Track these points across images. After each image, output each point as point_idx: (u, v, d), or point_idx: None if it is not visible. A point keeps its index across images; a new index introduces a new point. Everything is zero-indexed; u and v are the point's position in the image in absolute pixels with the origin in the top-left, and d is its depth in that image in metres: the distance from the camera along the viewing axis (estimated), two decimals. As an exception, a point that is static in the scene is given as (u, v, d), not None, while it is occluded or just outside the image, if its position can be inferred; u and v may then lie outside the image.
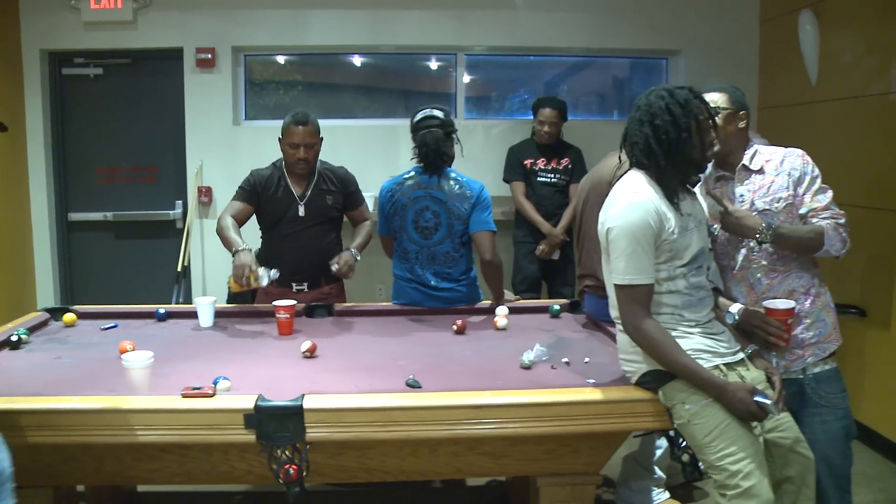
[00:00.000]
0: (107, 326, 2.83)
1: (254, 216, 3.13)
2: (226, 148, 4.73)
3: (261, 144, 4.69)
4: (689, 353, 1.91)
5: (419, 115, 3.05)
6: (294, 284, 3.12)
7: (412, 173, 3.08)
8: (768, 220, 2.11)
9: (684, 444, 2.09)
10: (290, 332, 2.72)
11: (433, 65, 5.14)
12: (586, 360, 2.37)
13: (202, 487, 3.00)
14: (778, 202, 2.15)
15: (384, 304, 3.18)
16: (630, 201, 1.91)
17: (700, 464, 2.09)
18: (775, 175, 2.17)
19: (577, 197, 2.95)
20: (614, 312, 2.04)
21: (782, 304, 2.10)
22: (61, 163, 4.80)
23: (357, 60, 5.11)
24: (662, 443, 2.92)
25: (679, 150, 1.92)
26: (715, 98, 2.16)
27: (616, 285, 1.94)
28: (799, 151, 2.19)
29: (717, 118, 2.07)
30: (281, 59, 5.04)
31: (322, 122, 3.13)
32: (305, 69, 5.19)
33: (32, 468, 1.97)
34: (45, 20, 4.56)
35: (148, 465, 2.07)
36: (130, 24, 4.57)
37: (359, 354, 2.48)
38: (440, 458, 2.09)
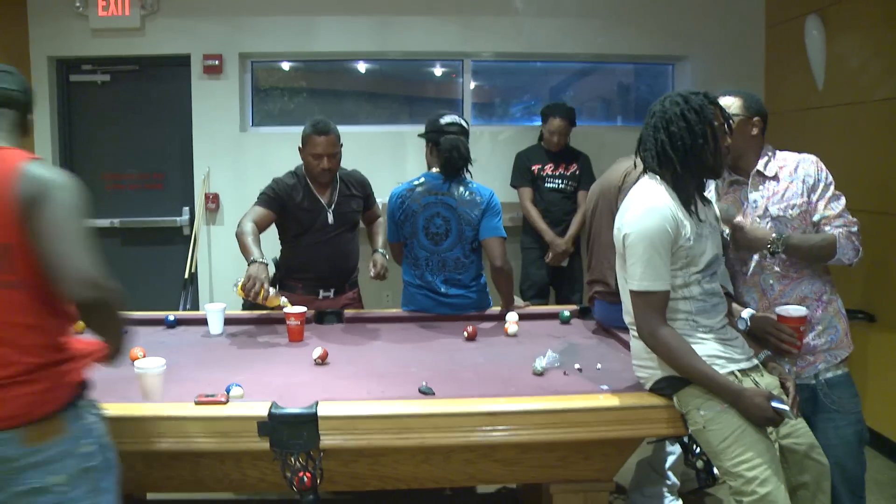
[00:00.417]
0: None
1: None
2: (233, 154, 4.74)
3: (268, 151, 4.72)
4: (704, 359, 1.90)
5: (446, 120, 3.04)
6: (322, 291, 3.13)
7: (422, 179, 3.08)
8: (779, 230, 2.11)
9: (698, 450, 2.07)
10: (300, 339, 2.72)
11: (438, 71, 5.16)
12: (598, 366, 2.37)
13: (213, 495, 3.00)
14: (792, 209, 2.15)
15: (394, 310, 3.17)
16: (647, 207, 1.90)
17: (714, 470, 2.07)
18: (790, 181, 2.17)
19: (586, 203, 2.95)
20: (628, 318, 2.03)
21: (795, 311, 2.09)
22: (68, 169, 4.80)
23: (362, 67, 5.13)
24: (676, 448, 2.91)
25: (695, 156, 1.92)
26: (728, 103, 2.16)
27: (632, 291, 1.93)
28: (813, 158, 2.19)
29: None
30: (286, 66, 5.06)
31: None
32: (310, 76, 5.21)
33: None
34: (53, 27, 4.58)
35: (160, 473, 2.06)
36: (138, 30, 4.58)
37: (370, 361, 2.47)
38: (453, 466, 2.08)
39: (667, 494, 2.88)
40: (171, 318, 2.96)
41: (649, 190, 1.95)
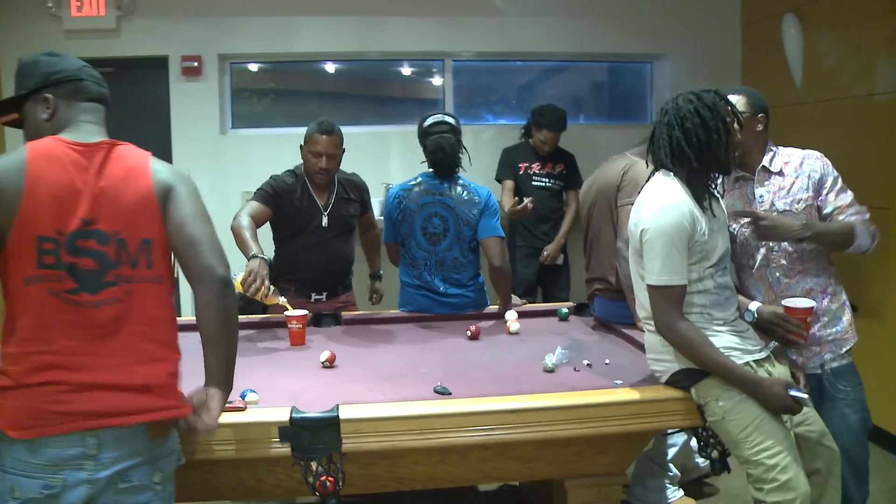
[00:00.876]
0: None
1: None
2: (213, 157, 4.66)
3: (248, 153, 4.66)
4: (721, 350, 1.93)
5: (430, 120, 3.04)
6: (314, 294, 3.10)
7: (419, 179, 3.07)
8: (804, 217, 2.14)
9: (712, 440, 2.11)
10: (302, 343, 2.68)
11: (408, 71, 5.13)
12: (606, 361, 2.39)
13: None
14: (798, 203, 2.20)
15: (392, 311, 3.16)
16: (665, 204, 1.93)
17: (727, 459, 2.11)
18: (795, 177, 2.22)
19: (582, 203, 2.97)
20: (643, 313, 2.06)
21: (802, 302, 2.14)
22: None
23: (334, 68, 5.08)
24: (676, 440, 2.96)
25: (709, 152, 1.96)
26: (733, 101, 2.19)
27: (650, 286, 1.96)
28: (817, 154, 2.25)
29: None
30: (254, 67, 4.97)
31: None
32: (280, 77, 5.14)
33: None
34: (25, 28, 4.44)
35: (173, 483, 2.02)
36: (113, 31, 4.47)
37: (378, 363, 2.45)
38: (470, 464, 2.09)
39: (668, 486, 2.92)
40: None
41: (666, 187, 1.98)
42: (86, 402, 1.48)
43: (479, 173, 4.43)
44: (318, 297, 3.12)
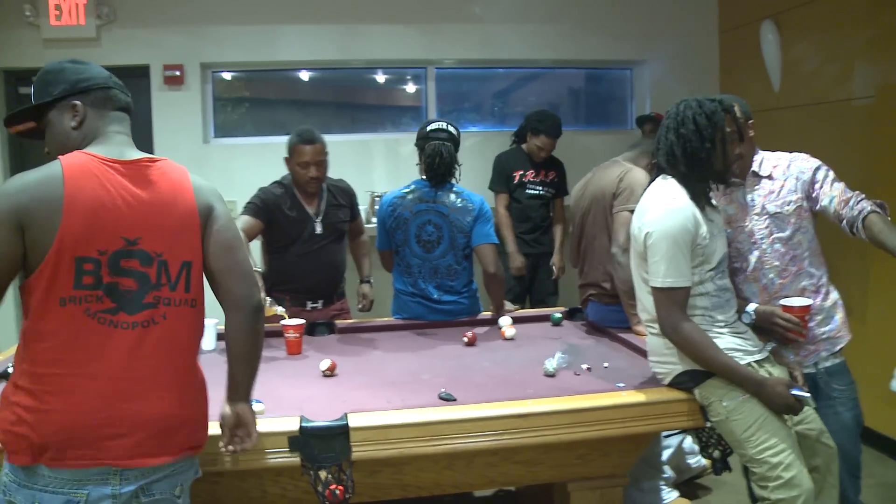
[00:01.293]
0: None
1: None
2: (196, 166, 4.39)
3: (231, 162, 4.62)
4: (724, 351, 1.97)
5: (431, 127, 3.05)
6: (309, 303, 3.09)
7: (412, 187, 3.08)
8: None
9: (713, 440, 2.15)
10: (299, 352, 2.68)
11: (391, 79, 5.14)
12: (605, 364, 2.42)
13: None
14: (788, 205, 2.24)
15: (386, 319, 3.16)
16: (669, 207, 1.96)
17: (728, 459, 2.15)
18: (784, 179, 2.27)
19: (574, 209, 2.99)
20: (646, 315, 2.09)
21: (799, 301, 2.18)
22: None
23: (311, 76, 5.06)
24: (670, 442, 2.99)
25: (701, 160, 1.99)
26: (727, 108, 2.24)
27: (655, 288, 1.99)
28: (804, 155, 2.30)
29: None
30: (228, 76, 4.93)
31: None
32: (266, 86, 5.12)
33: None
34: (2, 37, 4.36)
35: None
36: (94, 41, 4.41)
37: (379, 371, 2.46)
38: (475, 470, 2.09)
39: (663, 487, 2.95)
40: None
41: (669, 190, 2.01)
42: (113, 446, 1.47)
43: (463, 181, 4.46)
44: (314, 305, 3.11)
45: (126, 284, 1.49)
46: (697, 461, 3.21)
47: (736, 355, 1.99)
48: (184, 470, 1.61)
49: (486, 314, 3.15)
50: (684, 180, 2.03)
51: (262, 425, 1.90)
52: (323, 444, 1.86)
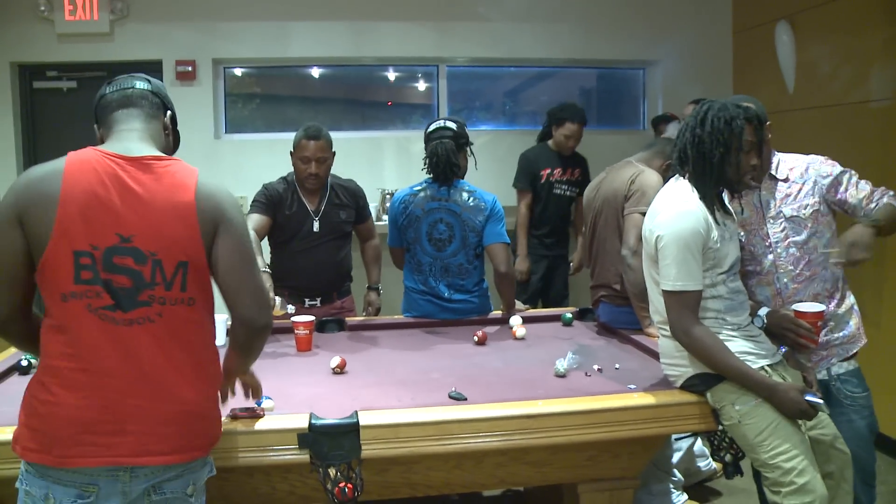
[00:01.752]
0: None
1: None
2: (207, 162, 4.61)
3: (242, 158, 4.63)
4: (736, 355, 1.95)
5: (432, 126, 3.05)
6: (307, 300, 3.09)
7: (423, 185, 3.07)
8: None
9: (725, 444, 2.13)
10: (309, 349, 2.67)
11: (402, 76, 5.13)
12: (616, 366, 2.40)
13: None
14: (805, 209, 2.22)
15: (396, 316, 3.15)
16: (681, 210, 1.95)
17: (740, 463, 2.13)
18: (801, 183, 2.24)
19: (586, 210, 2.97)
20: (658, 318, 2.07)
21: (812, 307, 2.16)
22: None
23: (323, 73, 5.06)
24: (681, 445, 2.97)
25: (710, 163, 1.97)
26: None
27: (666, 291, 1.97)
28: (822, 158, 2.27)
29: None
30: (239, 72, 4.94)
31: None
32: (280, 82, 5.12)
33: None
34: (16, 32, 4.39)
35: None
36: (107, 36, 4.44)
37: (389, 369, 2.45)
38: (485, 470, 2.08)
39: (673, 490, 2.93)
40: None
41: (681, 193, 2.00)
42: (118, 444, 1.47)
43: (472, 179, 4.44)
44: (311, 302, 3.11)
45: (119, 281, 1.48)
46: (707, 464, 3.19)
47: (748, 359, 1.97)
48: (196, 469, 1.61)
49: (497, 313, 3.13)
50: (696, 182, 2.01)
51: (272, 422, 1.90)
52: (332, 442, 1.85)
